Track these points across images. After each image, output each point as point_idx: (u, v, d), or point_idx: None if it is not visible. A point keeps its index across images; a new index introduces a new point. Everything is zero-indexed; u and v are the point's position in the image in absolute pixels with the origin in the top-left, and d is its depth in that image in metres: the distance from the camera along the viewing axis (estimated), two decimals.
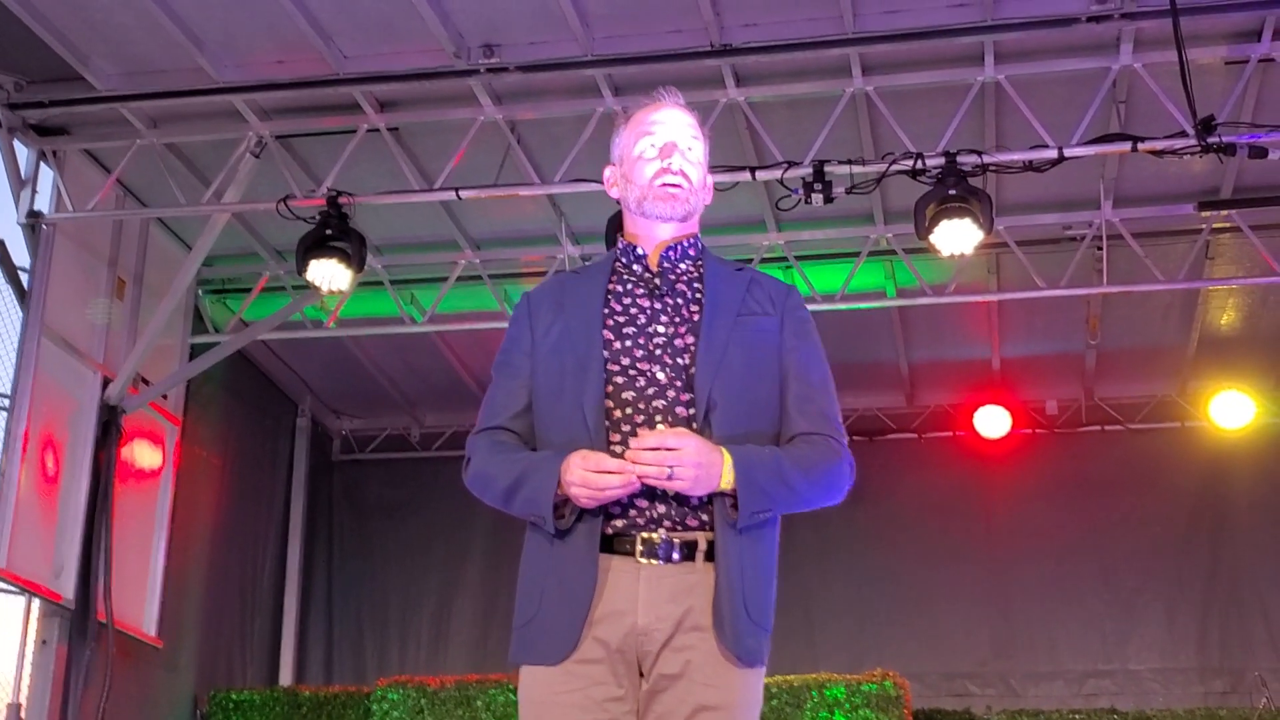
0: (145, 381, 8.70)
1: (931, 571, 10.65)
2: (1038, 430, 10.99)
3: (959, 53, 7.25)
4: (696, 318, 2.80)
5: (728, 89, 7.41)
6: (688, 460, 2.58)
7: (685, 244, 2.93)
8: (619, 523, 2.67)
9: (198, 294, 9.57)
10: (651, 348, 2.76)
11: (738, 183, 7.44)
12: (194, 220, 8.60)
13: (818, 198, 7.20)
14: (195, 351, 9.33)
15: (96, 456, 8.21)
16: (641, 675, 2.66)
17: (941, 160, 7.14)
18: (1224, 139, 6.81)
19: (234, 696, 9.23)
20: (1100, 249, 8.41)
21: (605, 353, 2.76)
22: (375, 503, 11.76)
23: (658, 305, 2.83)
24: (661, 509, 2.67)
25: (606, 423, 2.70)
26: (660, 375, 2.74)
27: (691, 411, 2.71)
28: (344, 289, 7.79)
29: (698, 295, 2.84)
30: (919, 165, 7.18)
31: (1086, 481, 10.76)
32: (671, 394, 2.72)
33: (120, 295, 8.65)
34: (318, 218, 7.62)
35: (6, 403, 7.67)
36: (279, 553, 10.99)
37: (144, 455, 8.85)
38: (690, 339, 2.77)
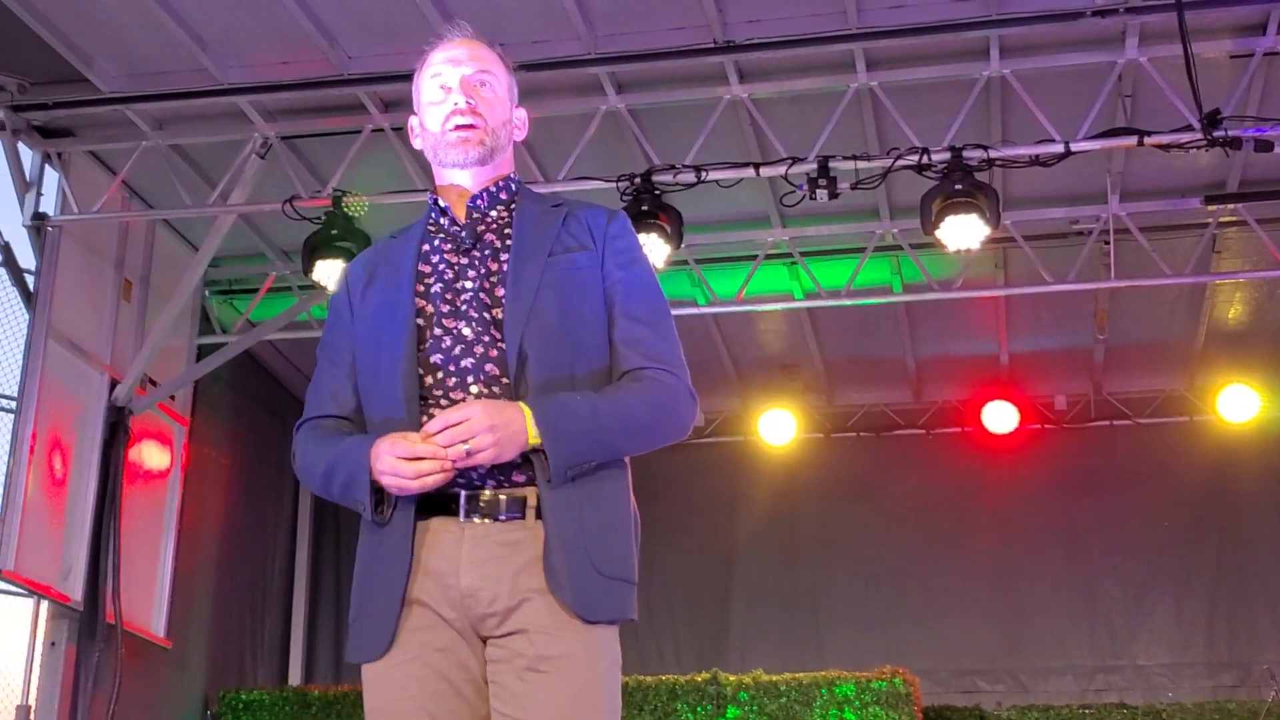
0: (153, 383, 8.71)
1: (939, 568, 10.64)
2: (1046, 425, 10.96)
3: (964, 47, 7.24)
4: (507, 266, 2.58)
5: (731, 85, 7.40)
6: (478, 428, 2.38)
7: (495, 189, 2.71)
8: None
9: (204, 295, 9.57)
10: (459, 304, 2.56)
11: (742, 179, 7.43)
12: (200, 221, 8.61)
13: (822, 193, 7.20)
14: (203, 352, 9.35)
15: (104, 458, 8.22)
16: (482, 640, 2.52)
17: (947, 155, 7.14)
18: (1230, 133, 6.81)
19: (244, 696, 9.22)
20: (1107, 243, 8.40)
21: (420, 319, 2.56)
22: None
23: (464, 260, 2.62)
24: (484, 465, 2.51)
25: (421, 392, 2.53)
26: (467, 332, 2.53)
27: (502, 368, 2.50)
28: None
29: (509, 243, 2.63)
30: (924, 160, 7.17)
31: (1095, 476, 10.75)
32: (480, 350, 2.52)
33: (127, 297, 8.66)
34: (323, 218, 7.64)
35: (14, 405, 7.69)
36: (288, 552, 10.99)
37: (152, 456, 8.85)
38: (501, 290, 2.56)
